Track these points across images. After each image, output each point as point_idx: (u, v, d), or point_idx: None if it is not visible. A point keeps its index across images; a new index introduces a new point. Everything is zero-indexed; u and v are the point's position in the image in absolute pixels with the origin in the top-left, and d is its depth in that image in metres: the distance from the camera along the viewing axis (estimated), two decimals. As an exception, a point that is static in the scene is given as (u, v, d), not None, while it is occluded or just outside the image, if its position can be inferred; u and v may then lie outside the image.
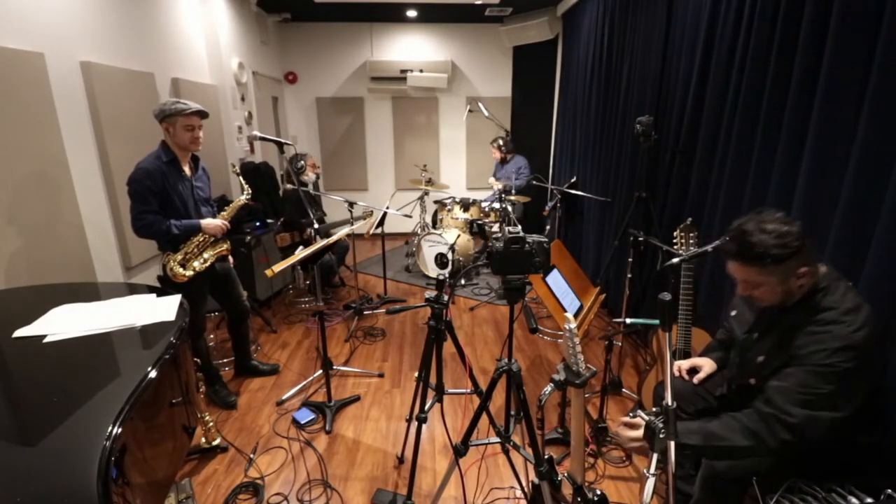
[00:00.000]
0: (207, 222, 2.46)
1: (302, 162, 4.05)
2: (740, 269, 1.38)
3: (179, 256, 2.40)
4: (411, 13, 5.55)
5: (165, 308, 1.70)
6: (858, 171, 1.60)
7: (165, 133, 2.36)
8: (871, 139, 1.55)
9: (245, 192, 2.63)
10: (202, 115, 2.38)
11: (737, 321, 1.67)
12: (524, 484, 2.06)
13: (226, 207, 2.58)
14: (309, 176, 4.11)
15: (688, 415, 1.80)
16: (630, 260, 2.83)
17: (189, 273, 2.40)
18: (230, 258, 2.73)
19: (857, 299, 1.32)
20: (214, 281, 2.63)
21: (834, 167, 1.70)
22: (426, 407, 1.99)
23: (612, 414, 2.64)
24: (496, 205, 4.78)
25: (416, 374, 2.21)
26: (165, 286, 2.45)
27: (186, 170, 2.46)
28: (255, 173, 4.39)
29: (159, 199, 2.31)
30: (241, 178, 2.66)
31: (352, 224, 3.54)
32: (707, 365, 1.82)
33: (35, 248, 2.23)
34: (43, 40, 2.30)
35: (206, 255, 2.49)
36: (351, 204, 3.77)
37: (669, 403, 1.21)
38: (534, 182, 4.79)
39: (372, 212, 4.10)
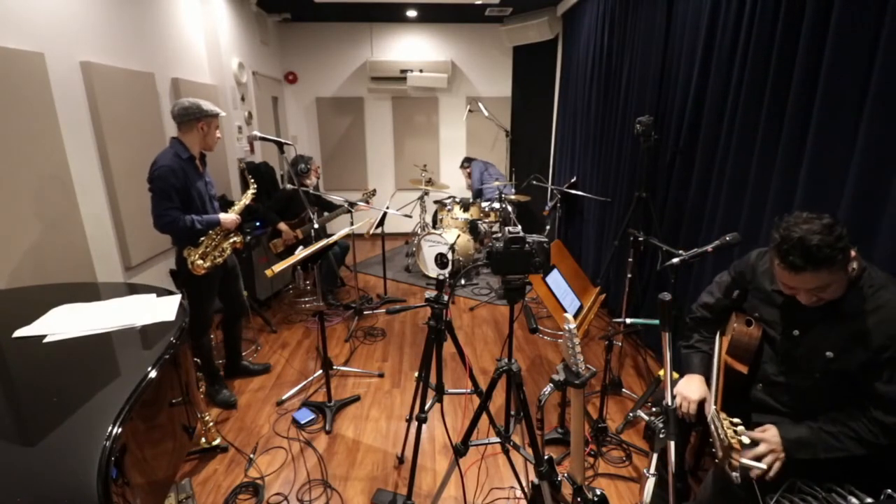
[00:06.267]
0: (226, 217, 2.56)
1: (304, 165, 4.01)
2: (811, 277, 1.29)
3: (200, 250, 2.47)
4: (411, 13, 5.55)
5: (165, 308, 1.70)
6: (860, 171, 1.60)
7: (197, 132, 2.40)
8: (873, 138, 1.55)
9: (252, 189, 2.70)
10: None
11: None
12: (524, 484, 2.06)
13: (235, 203, 2.67)
14: (311, 180, 4.10)
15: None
16: (630, 260, 2.83)
17: (208, 265, 2.48)
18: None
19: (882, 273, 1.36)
20: (223, 275, 2.67)
21: (835, 166, 1.70)
22: (426, 407, 1.99)
23: (612, 414, 2.64)
24: (496, 205, 4.78)
25: (416, 374, 2.21)
26: (179, 279, 2.53)
27: (200, 167, 2.53)
28: (255, 173, 4.38)
29: (181, 195, 2.36)
30: (248, 175, 2.75)
31: (352, 222, 3.54)
32: (703, 391, 1.63)
33: (35, 247, 2.23)
34: (43, 40, 2.30)
35: (224, 246, 2.59)
36: (351, 204, 3.77)
37: (669, 403, 1.21)
38: (534, 182, 4.79)
39: (374, 191, 4.26)
